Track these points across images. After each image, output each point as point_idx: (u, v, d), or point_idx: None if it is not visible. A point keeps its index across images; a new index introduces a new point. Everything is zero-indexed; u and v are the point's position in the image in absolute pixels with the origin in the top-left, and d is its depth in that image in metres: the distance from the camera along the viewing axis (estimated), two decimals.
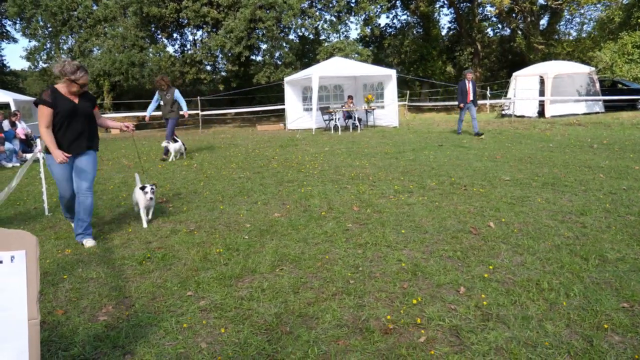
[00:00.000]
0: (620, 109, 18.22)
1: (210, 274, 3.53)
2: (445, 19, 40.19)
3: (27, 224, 5.28)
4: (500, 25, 32.58)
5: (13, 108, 15.99)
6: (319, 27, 24.21)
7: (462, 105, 12.98)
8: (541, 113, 18.30)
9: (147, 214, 5.07)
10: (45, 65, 26.26)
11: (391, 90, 17.45)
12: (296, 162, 9.16)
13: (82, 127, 4.32)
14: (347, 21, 24.68)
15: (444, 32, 34.71)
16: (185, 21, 23.98)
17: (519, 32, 29.81)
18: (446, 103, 23.67)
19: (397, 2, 32.00)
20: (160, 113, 10.89)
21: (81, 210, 4.41)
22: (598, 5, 22.79)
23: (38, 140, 6.63)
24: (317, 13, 23.36)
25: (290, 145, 12.44)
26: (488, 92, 24.29)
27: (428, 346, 2.47)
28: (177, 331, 2.72)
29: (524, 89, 18.89)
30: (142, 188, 4.88)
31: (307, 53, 25.98)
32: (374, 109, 17.40)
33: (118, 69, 21.89)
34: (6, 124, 12.04)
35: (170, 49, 26.78)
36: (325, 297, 3.08)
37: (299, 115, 18.26)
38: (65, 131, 4.25)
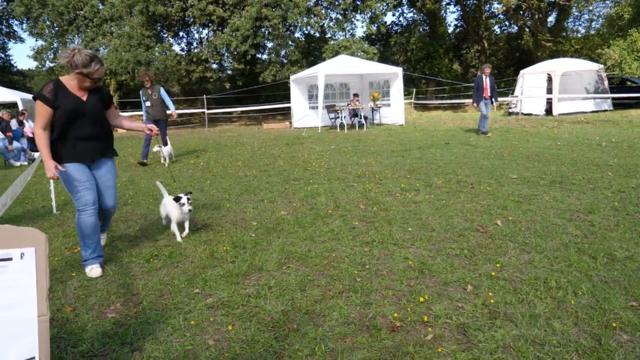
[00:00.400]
0: (629, 107, 18.04)
1: (217, 272, 3.54)
2: (451, 17, 39.87)
3: (35, 222, 5.32)
4: (507, 23, 32.35)
5: (21, 107, 16.11)
6: (325, 25, 24.17)
7: (475, 104, 12.40)
8: (549, 111, 18.16)
9: (183, 228, 4.46)
10: (52, 65, 26.40)
11: (397, 88, 17.40)
12: (302, 160, 9.16)
13: (94, 129, 3.60)
14: (353, 19, 24.61)
15: (450, 30, 34.53)
16: (191, 20, 24.02)
17: (527, 29, 29.60)
18: (453, 101, 23.56)
19: None
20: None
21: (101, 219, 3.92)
22: (607, 2, 22.59)
23: None
24: (323, 11, 23.33)
25: (297, 143, 12.44)
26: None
27: (435, 344, 2.46)
28: (185, 328, 2.73)
29: (531, 87, 18.75)
30: (177, 199, 4.26)
31: (313, 51, 25.95)
32: (380, 107, 17.36)
33: (124, 68, 21.97)
34: (14, 123, 12.13)
35: (176, 48, 26.90)
36: (332, 295, 3.08)
37: (305, 113, 18.24)
38: (73, 134, 3.52)
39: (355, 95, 17.45)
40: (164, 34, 25.30)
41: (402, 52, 32.61)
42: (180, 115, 23.73)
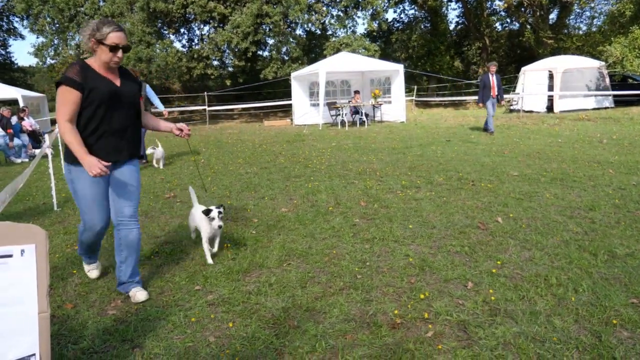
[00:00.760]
0: (630, 104, 18.00)
1: (218, 269, 3.55)
2: (453, 14, 39.91)
3: (36, 219, 5.32)
4: (508, 20, 32.28)
5: (21, 104, 16.12)
6: (326, 22, 24.13)
7: (481, 104, 12.10)
8: (550, 108, 18.13)
9: (212, 245, 3.89)
10: (53, 62, 26.40)
11: (398, 85, 17.37)
12: (303, 157, 9.16)
13: (126, 122, 2.98)
14: (354, 16, 24.56)
15: (451, 27, 34.47)
16: (192, 16, 23.98)
17: (528, 26, 29.51)
18: (454, 98, 23.52)
19: None
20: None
21: (124, 249, 3.13)
22: None
23: (46, 136, 6.69)
24: (324, 8, 23.28)
25: (297, 140, 12.44)
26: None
27: (435, 341, 2.47)
28: (186, 325, 2.74)
29: (532, 84, 18.72)
30: (207, 212, 3.67)
31: (314, 48, 25.92)
32: (381, 104, 17.34)
33: (125, 65, 21.95)
34: (14, 121, 12.13)
35: (177, 45, 26.85)
36: (333, 292, 3.08)
37: (306, 110, 18.23)
38: (101, 127, 2.88)
39: (357, 92, 17.43)
40: (165, 30, 25.26)
41: (404, 49, 32.55)
42: (181, 112, 23.77)
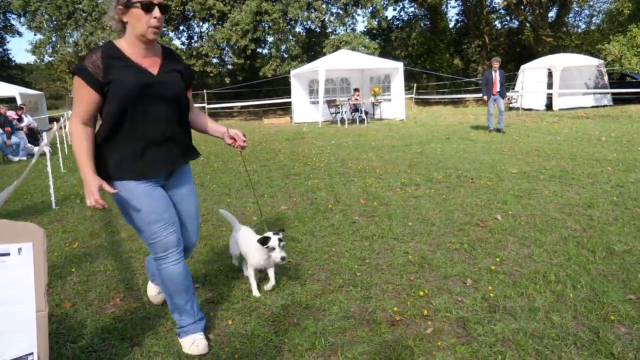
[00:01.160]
0: (629, 102, 18.02)
1: (217, 267, 3.55)
2: (452, 11, 39.95)
3: (34, 218, 5.32)
4: (508, 18, 32.26)
5: (19, 102, 16.09)
6: (326, 19, 24.11)
7: (485, 98, 11.87)
8: (549, 106, 18.14)
9: (260, 273, 3.14)
10: (51, 59, 26.33)
11: (398, 83, 17.37)
12: (303, 155, 9.15)
13: (167, 126, 2.25)
14: (353, 14, 24.54)
15: (451, 25, 34.42)
16: (191, 14, 23.95)
17: (527, 25, 29.50)
18: (453, 96, 23.52)
19: None
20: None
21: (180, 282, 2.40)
22: None
23: (44, 134, 6.68)
24: (324, 6, 23.24)
25: (297, 138, 12.43)
26: None
27: (435, 337, 2.47)
28: None
29: (532, 82, 18.72)
30: (264, 240, 2.89)
31: (314, 46, 25.90)
32: (380, 102, 17.33)
33: None
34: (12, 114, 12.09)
35: (176, 42, 26.77)
36: (332, 289, 3.08)
37: (305, 108, 18.22)
38: (126, 134, 2.19)
39: (356, 90, 17.42)
40: (164, 28, 25.23)
41: (403, 47, 32.51)
42: None
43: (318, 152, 9.50)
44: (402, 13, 34.30)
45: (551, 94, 17.96)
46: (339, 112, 16.28)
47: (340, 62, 17.41)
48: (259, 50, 24.67)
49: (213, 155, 9.86)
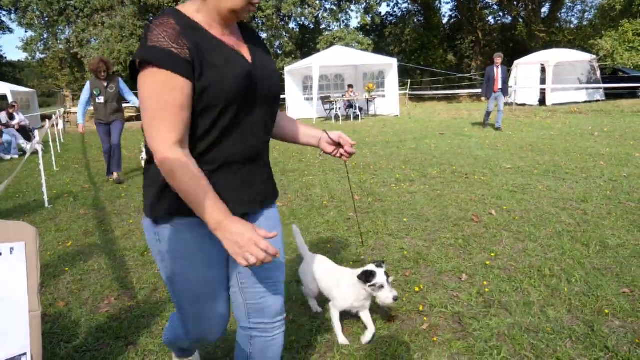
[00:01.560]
0: (621, 97, 18.15)
1: None
2: (446, 7, 40.06)
3: (27, 217, 5.27)
4: (501, 13, 32.34)
5: (10, 99, 15.95)
6: (319, 16, 24.07)
7: (484, 99, 11.66)
8: (542, 101, 18.22)
9: (367, 325, 2.41)
10: (42, 56, 26.13)
11: (392, 79, 17.37)
12: (297, 151, 9.14)
13: (261, 135, 1.49)
14: (347, 10, 24.52)
15: (445, 21, 34.49)
16: None
17: (520, 20, 29.60)
18: (447, 92, 23.55)
19: None
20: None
21: None
22: None
23: (36, 132, 6.62)
24: (317, 2, 23.19)
25: None
26: None
27: (431, 333, 2.47)
28: None
29: (525, 77, 18.79)
30: (367, 276, 2.26)
31: (308, 42, 25.86)
32: (374, 98, 17.33)
33: (117, 59, 21.78)
34: (3, 116, 11.99)
35: None
36: None
37: (299, 105, 18.19)
38: (224, 150, 1.39)
39: (350, 86, 17.40)
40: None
41: (397, 43, 32.52)
42: None
43: (312, 148, 9.48)
44: (395, 9, 34.31)
45: (544, 89, 18.03)
46: (333, 109, 16.26)
47: (334, 58, 17.39)
48: None
49: None
